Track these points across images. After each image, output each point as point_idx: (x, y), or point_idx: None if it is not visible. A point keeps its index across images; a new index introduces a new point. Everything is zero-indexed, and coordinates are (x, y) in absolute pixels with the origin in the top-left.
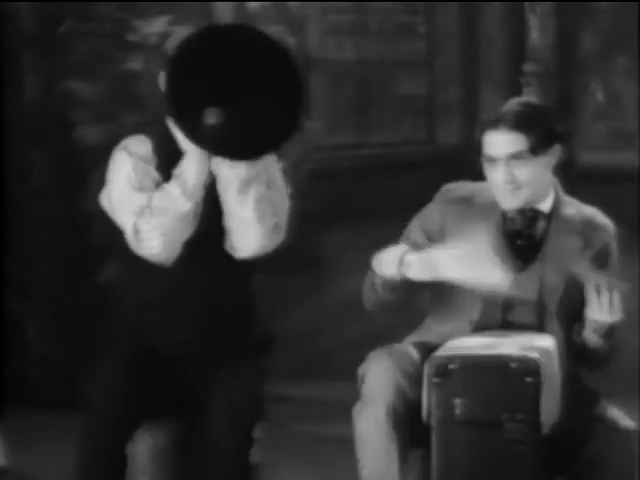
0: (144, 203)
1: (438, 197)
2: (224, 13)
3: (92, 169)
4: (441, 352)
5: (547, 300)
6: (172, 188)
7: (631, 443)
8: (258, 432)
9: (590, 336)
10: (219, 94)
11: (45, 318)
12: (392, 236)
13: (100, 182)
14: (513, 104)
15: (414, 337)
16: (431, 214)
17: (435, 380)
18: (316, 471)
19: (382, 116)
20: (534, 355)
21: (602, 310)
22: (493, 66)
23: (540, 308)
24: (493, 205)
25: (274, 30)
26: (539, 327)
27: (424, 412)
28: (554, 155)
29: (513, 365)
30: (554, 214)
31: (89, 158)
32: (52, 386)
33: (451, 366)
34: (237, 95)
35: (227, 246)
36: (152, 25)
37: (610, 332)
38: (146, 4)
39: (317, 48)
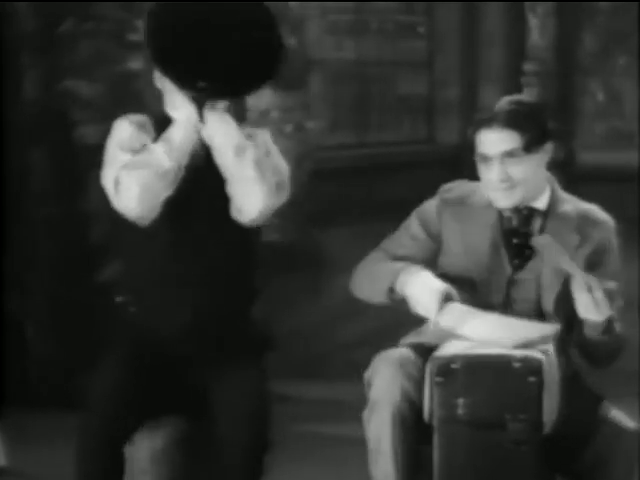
0: (128, 160)
1: (436, 196)
2: None
3: (92, 169)
4: (443, 352)
5: (544, 298)
6: (157, 147)
7: (632, 444)
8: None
9: (591, 334)
10: (202, 48)
11: (45, 318)
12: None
13: (101, 182)
14: (505, 102)
15: (410, 338)
16: (430, 210)
17: (437, 380)
18: (316, 471)
19: (382, 116)
20: (537, 355)
21: (588, 309)
22: (493, 66)
23: (538, 306)
24: (490, 204)
25: None
26: None
27: (426, 412)
28: (547, 152)
29: (516, 365)
30: (550, 211)
31: (89, 158)
32: (52, 386)
33: (453, 366)
34: (219, 46)
35: (234, 211)
36: None
37: (608, 328)
38: (146, 4)
39: (317, 48)
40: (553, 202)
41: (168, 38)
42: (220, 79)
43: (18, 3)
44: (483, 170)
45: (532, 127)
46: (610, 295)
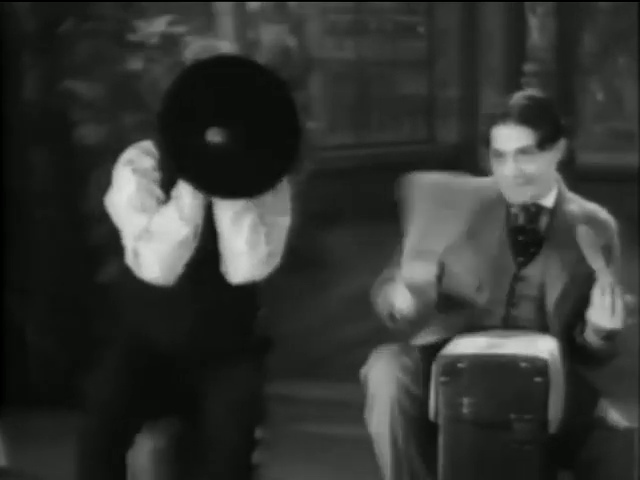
0: (143, 225)
1: None
2: (224, 14)
3: (92, 169)
4: (449, 351)
5: (548, 296)
6: (170, 212)
7: (630, 443)
8: (259, 433)
9: (591, 338)
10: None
11: (45, 318)
12: (392, 236)
13: (101, 182)
14: (519, 98)
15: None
16: None
17: (443, 379)
18: (316, 471)
19: (382, 116)
20: (543, 355)
21: (604, 315)
22: (493, 66)
23: (540, 305)
24: (497, 200)
25: (274, 30)
26: (540, 323)
27: (431, 411)
28: (560, 150)
29: (523, 365)
30: (557, 210)
31: (89, 158)
32: (52, 386)
33: (460, 365)
34: (236, 133)
35: (222, 268)
36: (152, 25)
37: (611, 335)
38: (146, 4)
39: (317, 48)
40: (560, 201)
41: (178, 123)
42: (224, 136)
43: (18, 3)
44: (497, 165)
45: (546, 124)
46: (627, 308)
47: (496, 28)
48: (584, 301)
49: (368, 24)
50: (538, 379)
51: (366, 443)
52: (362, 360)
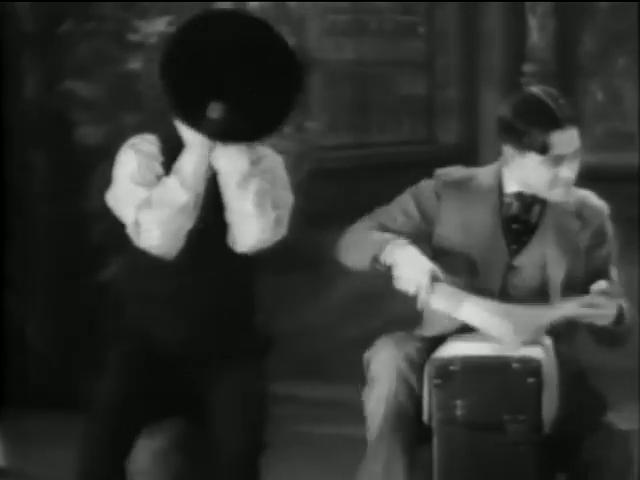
0: (145, 197)
1: (433, 179)
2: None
3: (92, 169)
4: (442, 353)
5: (551, 284)
6: (171, 180)
7: (628, 445)
8: (267, 435)
9: (602, 325)
10: (217, 84)
11: (45, 318)
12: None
13: (101, 182)
14: (556, 98)
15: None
16: (427, 190)
17: (436, 382)
18: (316, 472)
19: (382, 116)
20: (536, 355)
21: (595, 320)
22: (493, 66)
23: (539, 293)
24: (490, 189)
25: None
26: None
27: (425, 414)
28: None
29: (515, 366)
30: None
31: (89, 158)
32: (52, 386)
33: (452, 368)
34: (235, 83)
35: (229, 240)
36: (152, 25)
37: (619, 318)
38: (146, 4)
39: (317, 48)
40: None
41: (181, 73)
42: (224, 110)
43: (18, 3)
44: (544, 171)
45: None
46: (608, 294)
47: (496, 28)
48: (586, 284)
49: (368, 24)
50: (531, 380)
51: (364, 443)
52: (361, 360)
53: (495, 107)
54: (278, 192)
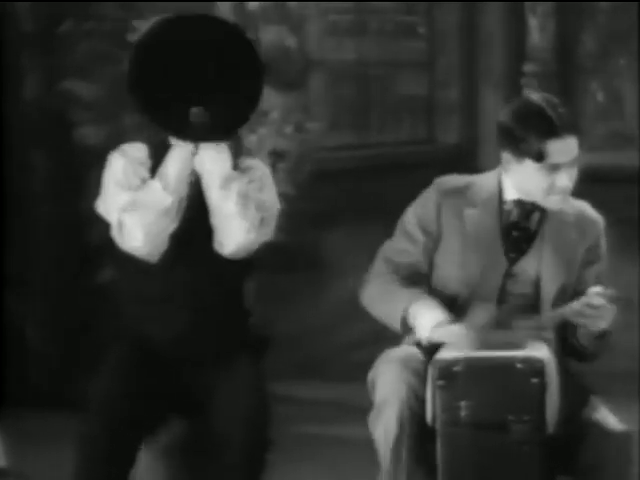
0: (129, 199)
1: (432, 189)
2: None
3: (92, 169)
4: (445, 354)
5: (543, 293)
6: (154, 184)
7: (625, 446)
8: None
9: (583, 339)
10: (189, 88)
11: (45, 318)
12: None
13: (99, 183)
14: (555, 106)
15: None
16: (427, 204)
17: (440, 383)
18: (316, 472)
19: (382, 116)
20: (539, 355)
21: (588, 322)
22: (493, 66)
23: (533, 301)
24: (490, 196)
25: (274, 30)
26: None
27: (429, 415)
28: None
29: (519, 366)
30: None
31: (89, 158)
32: (52, 386)
33: (455, 368)
34: (204, 83)
35: (215, 244)
36: None
37: (602, 335)
38: (146, 4)
39: (317, 48)
40: None
41: (150, 85)
42: (206, 114)
43: (18, 3)
44: (540, 178)
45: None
46: (606, 297)
47: (496, 28)
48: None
49: (368, 24)
50: (535, 380)
51: (364, 444)
52: (361, 361)
53: (495, 107)
54: (264, 197)
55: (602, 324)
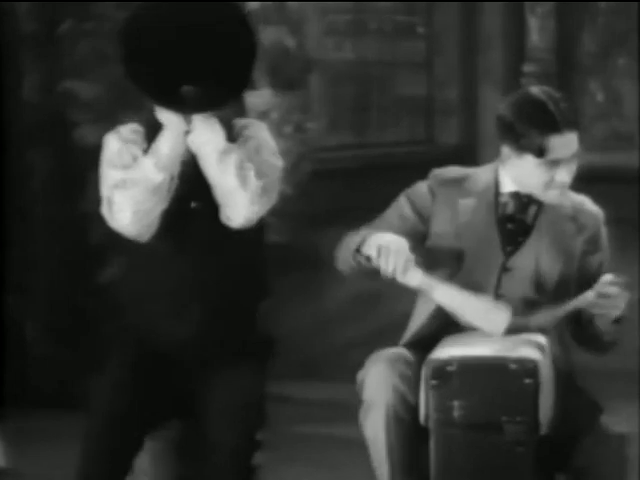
0: (120, 177)
1: (429, 179)
2: None
3: (92, 169)
4: (438, 354)
5: (543, 285)
6: (146, 161)
7: (621, 448)
8: (260, 435)
9: (600, 323)
10: (181, 62)
11: (45, 318)
12: None
13: (99, 183)
14: (556, 101)
15: (405, 337)
16: (421, 190)
17: (433, 383)
18: (316, 472)
19: (382, 116)
20: (533, 355)
21: (604, 311)
22: (493, 66)
23: (531, 294)
24: (486, 188)
25: (273, 30)
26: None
27: (422, 415)
28: None
29: (512, 367)
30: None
31: (89, 158)
32: (52, 386)
33: (449, 368)
34: (196, 56)
35: (223, 218)
36: None
37: (617, 320)
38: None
39: (316, 48)
40: None
41: (142, 57)
42: (198, 91)
43: (18, 3)
44: (540, 173)
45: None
46: (618, 284)
47: (496, 28)
48: (579, 287)
49: (368, 24)
50: (528, 380)
51: (361, 444)
52: (361, 361)
53: (495, 107)
54: (264, 159)
55: (617, 312)
